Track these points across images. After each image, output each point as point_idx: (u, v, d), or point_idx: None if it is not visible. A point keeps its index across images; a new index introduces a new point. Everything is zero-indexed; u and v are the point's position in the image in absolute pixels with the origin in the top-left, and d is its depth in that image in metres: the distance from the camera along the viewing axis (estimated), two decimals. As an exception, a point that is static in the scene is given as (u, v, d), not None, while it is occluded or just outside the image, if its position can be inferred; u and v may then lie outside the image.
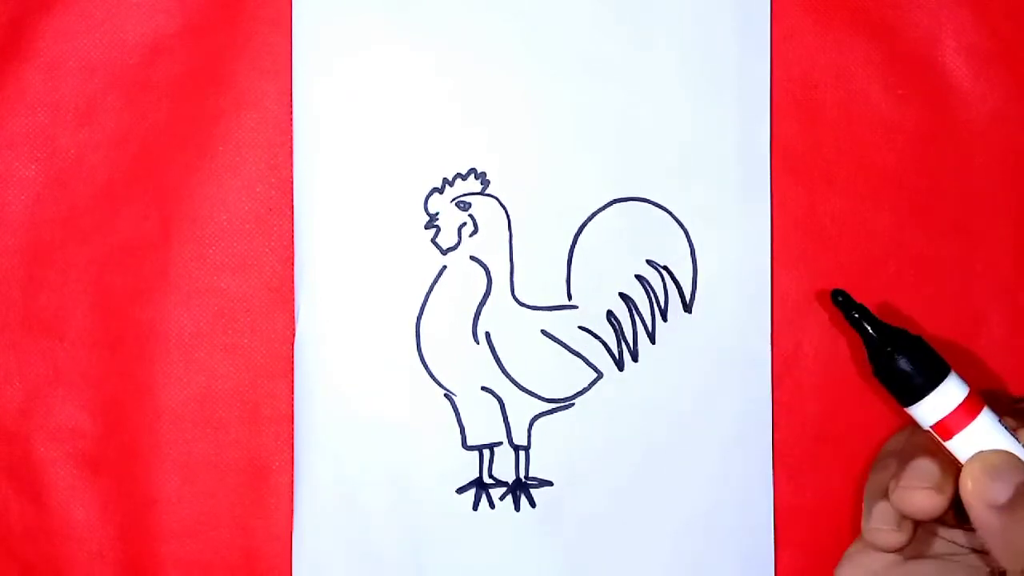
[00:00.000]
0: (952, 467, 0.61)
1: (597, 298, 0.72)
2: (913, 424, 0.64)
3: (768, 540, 0.72)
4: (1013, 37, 0.75)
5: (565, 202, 0.72)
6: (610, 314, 0.72)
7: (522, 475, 0.72)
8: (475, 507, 0.71)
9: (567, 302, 0.72)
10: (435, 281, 0.72)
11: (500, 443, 0.72)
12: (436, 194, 0.72)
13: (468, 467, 0.72)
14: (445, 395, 0.71)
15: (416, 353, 0.71)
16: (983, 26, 0.74)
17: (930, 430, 0.62)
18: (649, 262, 0.72)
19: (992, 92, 0.74)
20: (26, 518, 0.72)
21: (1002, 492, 0.58)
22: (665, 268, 0.72)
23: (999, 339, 0.74)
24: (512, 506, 0.72)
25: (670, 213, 0.72)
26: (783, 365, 0.73)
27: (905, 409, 0.63)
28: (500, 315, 0.72)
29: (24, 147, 0.73)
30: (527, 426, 0.72)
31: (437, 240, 0.72)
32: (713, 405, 0.72)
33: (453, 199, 0.72)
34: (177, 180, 0.73)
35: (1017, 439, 0.61)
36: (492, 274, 0.72)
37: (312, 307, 0.72)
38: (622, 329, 0.72)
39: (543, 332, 0.72)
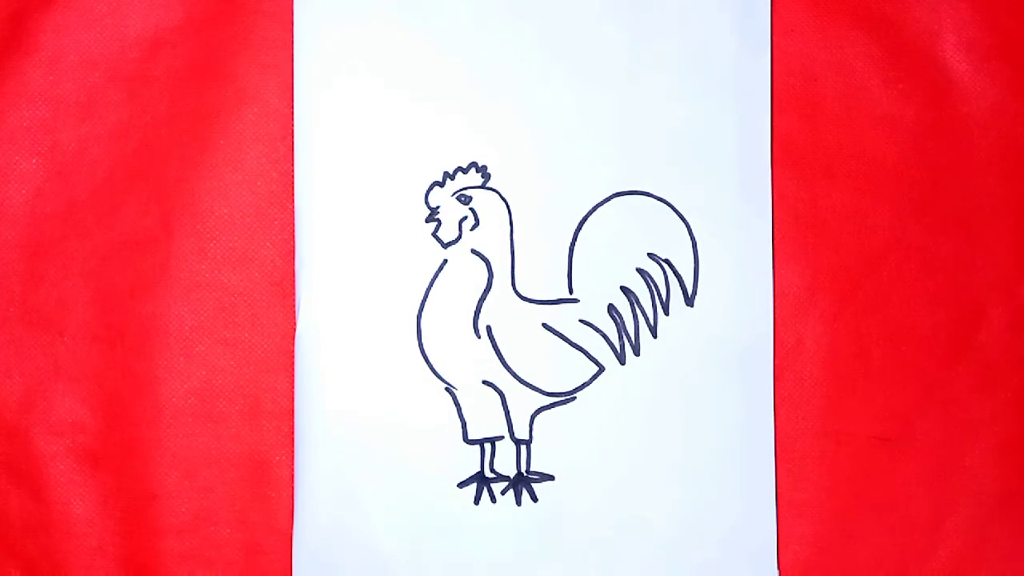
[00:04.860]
0: None
1: (598, 292, 0.72)
2: None
3: (771, 534, 0.72)
4: (1013, 32, 0.75)
5: (566, 195, 0.72)
6: (611, 307, 0.72)
7: (523, 469, 0.72)
8: (476, 501, 0.71)
9: (568, 296, 0.72)
10: (436, 275, 0.72)
11: (501, 437, 0.72)
12: (437, 188, 0.72)
13: (469, 461, 0.71)
14: (446, 389, 0.71)
15: (417, 347, 0.71)
16: (983, 21, 0.75)
17: None
18: (651, 255, 0.72)
19: (992, 86, 0.75)
20: (26, 513, 0.72)
21: None
22: (666, 261, 0.72)
23: (999, 333, 0.74)
24: (513, 500, 0.71)
25: (671, 207, 0.72)
26: (785, 358, 0.73)
27: None
28: (501, 309, 0.71)
29: (25, 141, 0.73)
30: (528, 420, 0.71)
31: (438, 234, 0.72)
32: (715, 399, 0.72)
33: (454, 193, 0.72)
34: (178, 174, 0.73)
35: None
36: (493, 268, 0.72)
37: (313, 301, 0.71)
38: (623, 323, 0.72)
39: (544, 326, 0.72)
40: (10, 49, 0.73)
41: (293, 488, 0.71)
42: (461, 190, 0.72)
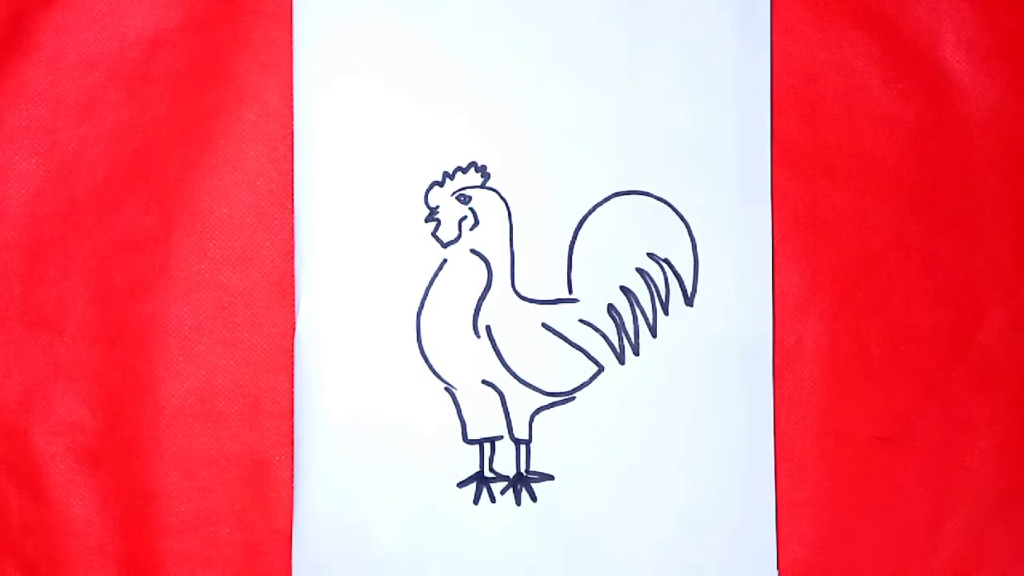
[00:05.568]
0: None
1: (598, 291, 0.72)
2: None
3: (770, 534, 0.72)
4: (1013, 31, 0.75)
5: (566, 195, 0.72)
6: (611, 307, 0.72)
7: (523, 469, 0.72)
8: (476, 501, 0.71)
9: (568, 295, 0.72)
10: (435, 275, 0.72)
11: (501, 437, 0.72)
12: (436, 187, 0.72)
13: (469, 461, 0.71)
14: (446, 388, 0.71)
15: (417, 347, 0.71)
16: (983, 20, 0.75)
17: None
18: (650, 255, 0.72)
19: (992, 86, 0.75)
20: (25, 512, 0.72)
21: None
22: (666, 261, 0.72)
23: (999, 333, 0.74)
24: (513, 500, 0.71)
25: (671, 206, 0.72)
26: (784, 358, 0.73)
27: None
28: (501, 308, 0.71)
29: (25, 141, 0.73)
30: (528, 420, 0.71)
31: (437, 233, 0.72)
32: (714, 398, 0.72)
33: (453, 192, 0.72)
34: (177, 174, 0.73)
35: None
36: (493, 267, 0.72)
37: (312, 301, 0.71)
38: (623, 322, 0.72)
39: (544, 325, 0.72)
40: (10, 49, 0.73)
41: (293, 488, 0.71)
42: (461, 190, 0.72)
